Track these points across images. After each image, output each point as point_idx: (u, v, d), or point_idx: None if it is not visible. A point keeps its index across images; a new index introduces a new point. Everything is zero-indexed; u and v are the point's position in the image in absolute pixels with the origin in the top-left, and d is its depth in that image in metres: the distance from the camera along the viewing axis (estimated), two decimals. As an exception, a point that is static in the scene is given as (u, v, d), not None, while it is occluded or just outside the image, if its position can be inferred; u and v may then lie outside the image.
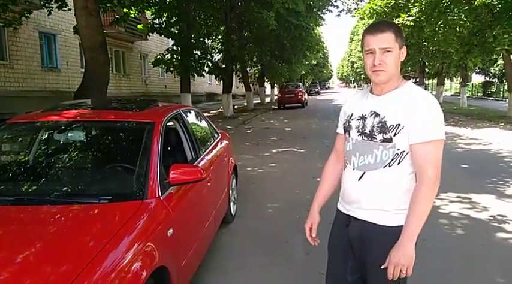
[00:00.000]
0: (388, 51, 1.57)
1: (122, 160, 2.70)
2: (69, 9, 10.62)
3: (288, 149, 9.17)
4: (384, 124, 1.60)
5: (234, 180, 4.57)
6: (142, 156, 2.48)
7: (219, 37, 21.54)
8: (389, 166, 1.61)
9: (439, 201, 4.72)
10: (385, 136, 1.60)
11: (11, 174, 2.75)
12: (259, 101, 28.61)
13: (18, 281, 1.55)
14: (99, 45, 7.53)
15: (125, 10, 13.38)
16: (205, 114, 4.48)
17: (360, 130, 1.68)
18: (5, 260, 1.67)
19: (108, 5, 11.51)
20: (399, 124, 1.57)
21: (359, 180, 1.67)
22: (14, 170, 2.80)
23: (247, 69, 27.08)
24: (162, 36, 16.44)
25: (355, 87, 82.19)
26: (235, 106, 21.69)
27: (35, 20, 13.42)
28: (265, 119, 17.61)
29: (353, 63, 62.29)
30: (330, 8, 21.16)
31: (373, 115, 1.64)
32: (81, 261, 1.64)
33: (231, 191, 4.26)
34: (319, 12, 22.05)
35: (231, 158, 4.43)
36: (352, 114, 1.74)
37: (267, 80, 31.28)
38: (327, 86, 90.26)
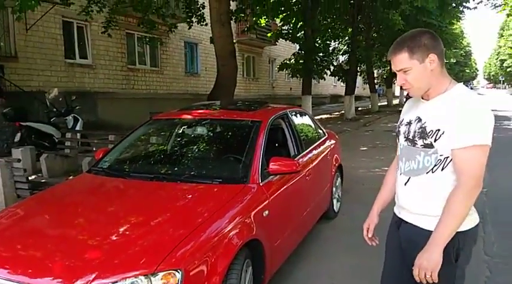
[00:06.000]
0: (406, 70, 1.59)
1: (233, 151, 3.25)
2: (206, 24, 12.08)
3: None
4: (424, 130, 1.60)
5: (339, 179, 4.77)
6: (249, 149, 2.99)
7: (346, 38, 21.43)
8: (433, 172, 1.60)
9: None
10: (425, 142, 1.60)
11: (153, 159, 3.57)
12: (386, 103, 27.42)
13: (144, 233, 2.15)
14: (229, 53, 8.48)
15: (255, 19, 14.53)
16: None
17: (406, 135, 1.70)
18: (138, 219, 2.34)
19: (242, 15, 12.72)
20: (439, 130, 1.55)
21: (405, 184, 1.70)
22: (155, 156, 3.62)
23: (375, 70, 26.16)
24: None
25: (505, 87, 71.58)
26: (359, 108, 21.30)
27: (181, 31, 15.55)
28: (389, 122, 16.92)
29: (502, 61, 54.54)
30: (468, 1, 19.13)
31: (417, 120, 1.65)
32: (193, 224, 2.19)
33: (334, 188, 4.49)
34: (455, 9, 20.09)
35: (335, 156, 4.65)
36: (403, 120, 1.76)
37: (395, 81, 29.72)
38: (470, 87, 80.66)
